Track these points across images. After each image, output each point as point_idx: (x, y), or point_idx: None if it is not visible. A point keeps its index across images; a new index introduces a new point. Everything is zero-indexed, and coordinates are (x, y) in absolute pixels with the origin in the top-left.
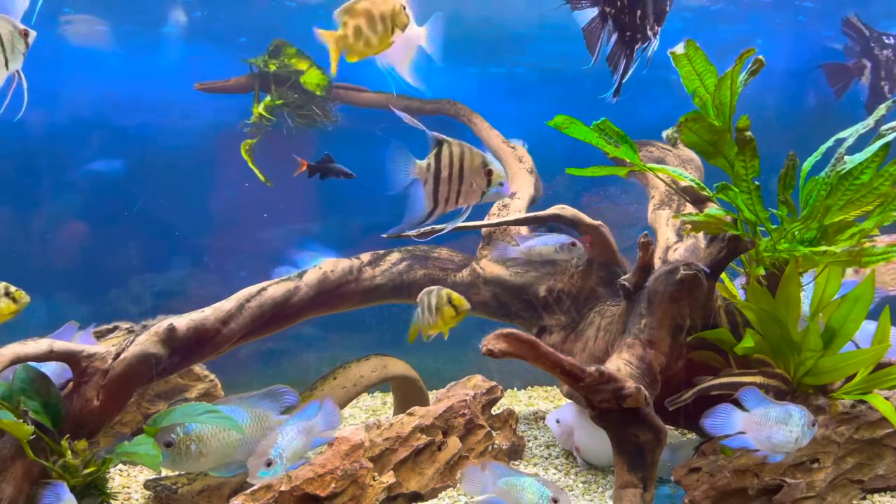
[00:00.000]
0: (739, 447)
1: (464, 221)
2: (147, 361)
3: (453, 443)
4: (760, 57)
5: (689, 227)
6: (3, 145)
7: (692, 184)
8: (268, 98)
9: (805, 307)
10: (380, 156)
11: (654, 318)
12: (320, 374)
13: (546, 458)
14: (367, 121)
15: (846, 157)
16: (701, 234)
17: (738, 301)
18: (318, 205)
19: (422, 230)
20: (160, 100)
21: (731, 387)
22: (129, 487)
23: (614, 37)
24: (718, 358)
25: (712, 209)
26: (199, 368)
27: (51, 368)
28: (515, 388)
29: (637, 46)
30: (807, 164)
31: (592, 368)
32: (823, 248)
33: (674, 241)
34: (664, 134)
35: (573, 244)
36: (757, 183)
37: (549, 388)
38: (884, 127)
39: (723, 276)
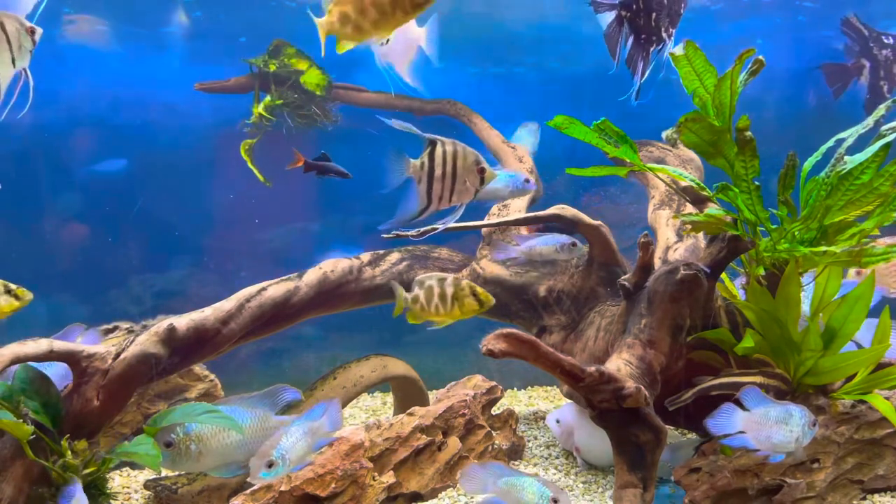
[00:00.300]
0: (739, 447)
1: (464, 221)
2: (147, 361)
3: (453, 443)
4: (760, 57)
5: (689, 227)
6: (2, 145)
7: (692, 184)
8: (268, 98)
9: (805, 307)
10: (379, 155)
11: (654, 318)
12: (320, 374)
13: (546, 458)
14: (366, 121)
15: (846, 158)
16: (701, 234)
17: (738, 301)
18: (317, 205)
19: (422, 230)
20: (160, 100)
21: (731, 387)
22: (128, 487)
23: (630, 40)
24: (718, 358)
25: (712, 209)
26: (199, 368)
27: (55, 371)
28: (515, 388)
29: (652, 49)
30: (807, 164)
31: (592, 368)
32: (823, 248)
33: (674, 241)
34: (664, 135)
35: (573, 244)
36: (757, 183)
37: (549, 388)
38: (884, 127)
39: (723, 276)
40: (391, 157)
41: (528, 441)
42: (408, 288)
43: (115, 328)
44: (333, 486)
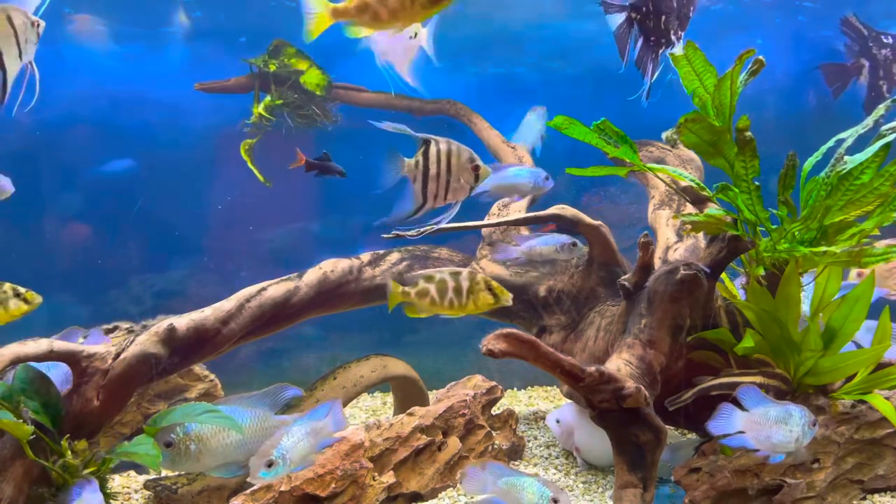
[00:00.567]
0: (739, 447)
1: (464, 221)
2: (147, 361)
3: (453, 443)
4: (760, 57)
5: (689, 227)
6: (1, 145)
7: (692, 184)
8: (268, 98)
9: (805, 307)
10: (378, 155)
11: (654, 318)
12: (320, 374)
13: (546, 458)
14: (366, 121)
15: (846, 158)
16: (701, 234)
17: (738, 301)
18: (317, 205)
19: (422, 230)
20: (160, 100)
21: (731, 387)
22: (128, 487)
23: (640, 41)
24: (718, 358)
25: (712, 209)
26: (199, 368)
27: (57, 375)
28: (515, 388)
29: (661, 50)
30: (807, 165)
31: (592, 368)
32: (823, 248)
33: (674, 241)
34: (664, 135)
35: (574, 244)
36: (757, 183)
37: (549, 388)
38: (884, 127)
39: (723, 276)
40: (386, 157)
41: (528, 441)
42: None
43: (115, 328)
44: (333, 486)
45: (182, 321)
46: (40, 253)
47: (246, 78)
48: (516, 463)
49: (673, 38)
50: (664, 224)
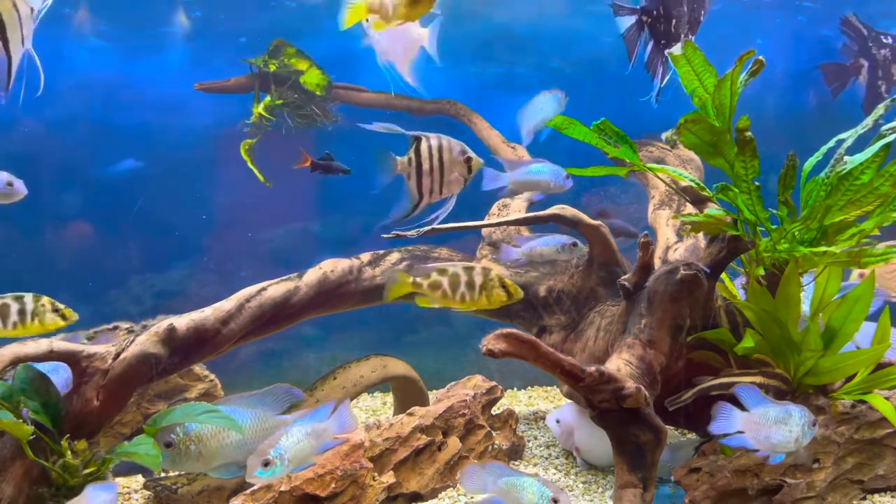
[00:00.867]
0: (739, 447)
1: (463, 221)
2: (147, 361)
3: (453, 443)
4: (761, 58)
5: (688, 227)
6: (1, 145)
7: (692, 184)
8: (268, 98)
9: (805, 307)
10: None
11: (654, 318)
12: (320, 374)
13: (546, 458)
14: (366, 121)
15: (846, 158)
16: (701, 235)
17: (738, 301)
18: (317, 205)
19: (422, 230)
20: (160, 100)
21: (730, 387)
22: (128, 487)
23: (651, 43)
24: (718, 358)
25: (712, 209)
26: (199, 368)
27: (58, 375)
28: (515, 388)
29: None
30: (808, 165)
31: (592, 368)
32: (823, 248)
33: (674, 241)
34: (664, 136)
35: (574, 244)
36: (757, 183)
37: (549, 388)
38: (884, 127)
39: (723, 276)
40: (378, 157)
41: (528, 441)
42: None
43: (115, 328)
44: (333, 486)
45: (182, 321)
46: (40, 253)
47: (246, 78)
48: (516, 463)
49: (684, 40)
50: (664, 224)
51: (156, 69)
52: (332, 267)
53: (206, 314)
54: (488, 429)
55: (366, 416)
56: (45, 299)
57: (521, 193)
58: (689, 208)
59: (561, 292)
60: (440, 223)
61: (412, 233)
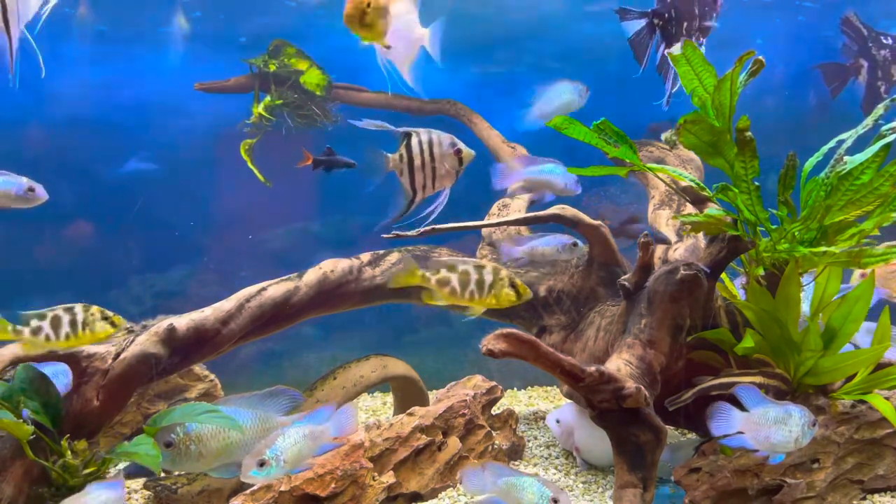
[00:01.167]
0: (739, 447)
1: (463, 221)
2: (147, 361)
3: (453, 443)
4: (760, 58)
5: (688, 227)
6: (1, 145)
7: (692, 184)
8: (268, 98)
9: (805, 307)
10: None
11: (654, 318)
12: (320, 374)
13: (546, 458)
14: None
15: (846, 158)
16: (701, 235)
17: (738, 301)
18: (317, 205)
19: (422, 230)
20: (160, 99)
21: (730, 387)
22: (128, 487)
23: (662, 47)
24: (718, 358)
25: (712, 209)
26: (199, 368)
27: (58, 375)
28: (515, 388)
29: None
30: (808, 165)
31: (592, 368)
32: (823, 248)
33: (674, 241)
34: (663, 136)
35: (574, 244)
36: (757, 183)
37: (549, 388)
38: (884, 127)
39: (723, 276)
40: (370, 156)
41: (528, 441)
42: (408, 289)
43: None
44: (333, 486)
45: (182, 321)
46: (40, 252)
47: (246, 78)
48: (516, 463)
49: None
50: (664, 224)
51: (155, 69)
52: (332, 267)
53: (206, 314)
54: (488, 429)
55: (366, 416)
56: (94, 308)
57: (527, 192)
58: (689, 208)
59: (561, 292)
60: (436, 219)
61: (412, 233)
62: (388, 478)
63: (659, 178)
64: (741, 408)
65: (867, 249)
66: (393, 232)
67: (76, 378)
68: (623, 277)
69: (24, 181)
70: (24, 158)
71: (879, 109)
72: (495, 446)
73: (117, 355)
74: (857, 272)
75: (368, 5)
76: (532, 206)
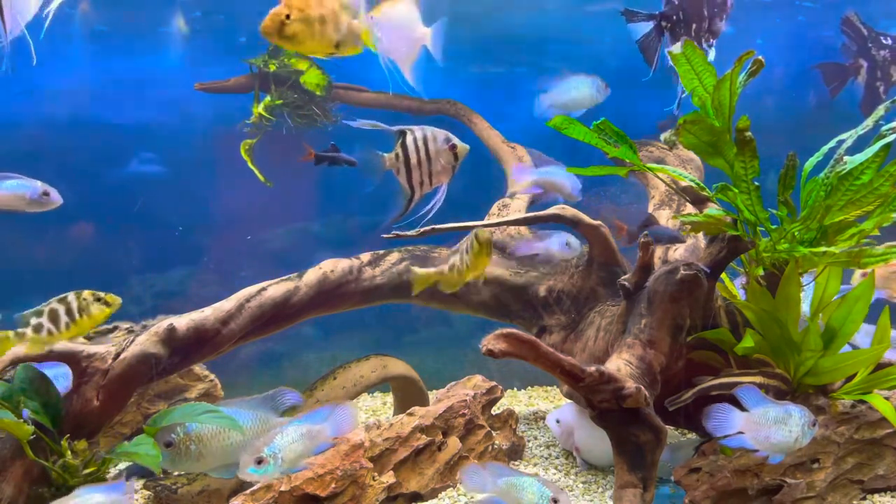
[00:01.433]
0: (739, 447)
1: (463, 221)
2: (147, 361)
3: (453, 443)
4: (760, 58)
5: (688, 227)
6: (1, 145)
7: (692, 184)
8: (268, 98)
9: (805, 307)
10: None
11: (654, 318)
12: (320, 374)
13: (546, 458)
14: (368, 121)
15: (846, 158)
16: (701, 235)
17: (738, 301)
18: (317, 205)
19: (422, 229)
20: (160, 99)
21: (730, 387)
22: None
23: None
24: (718, 358)
25: (712, 209)
26: (199, 368)
27: (58, 375)
28: (515, 388)
29: None
30: (808, 165)
31: (592, 368)
32: (823, 248)
33: None
34: (663, 137)
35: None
36: (756, 183)
37: (549, 388)
38: (884, 127)
39: (723, 276)
40: (366, 157)
41: (528, 441)
42: (408, 288)
43: (115, 328)
44: (333, 486)
45: (182, 321)
46: (40, 252)
47: (246, 78)
48: (516, 463)
49: (704, 46)
50: (664, 224)
51: (155, 69)
52: (332, 267)
53: (206, 314)
54: (488, 429)
55: (366, 416)
56: (86, 292)
57: (540, 191)
58: (689, 208)
59: (561, 292)
60: (436, 218)
61: (412, 233)
62: (388, 478)
63: (659, 178)
64: (741, 408)
65: (867, 249)
66: (393, 232)
67: (76, 378)
68: (623, 277)
69: (39, 185)
70: (23, 158)
71: (880, 110)
72: (495, 446)
73: (117, 355)
74: (858, 272)
75: (288, 17)
76: (532, 205)
